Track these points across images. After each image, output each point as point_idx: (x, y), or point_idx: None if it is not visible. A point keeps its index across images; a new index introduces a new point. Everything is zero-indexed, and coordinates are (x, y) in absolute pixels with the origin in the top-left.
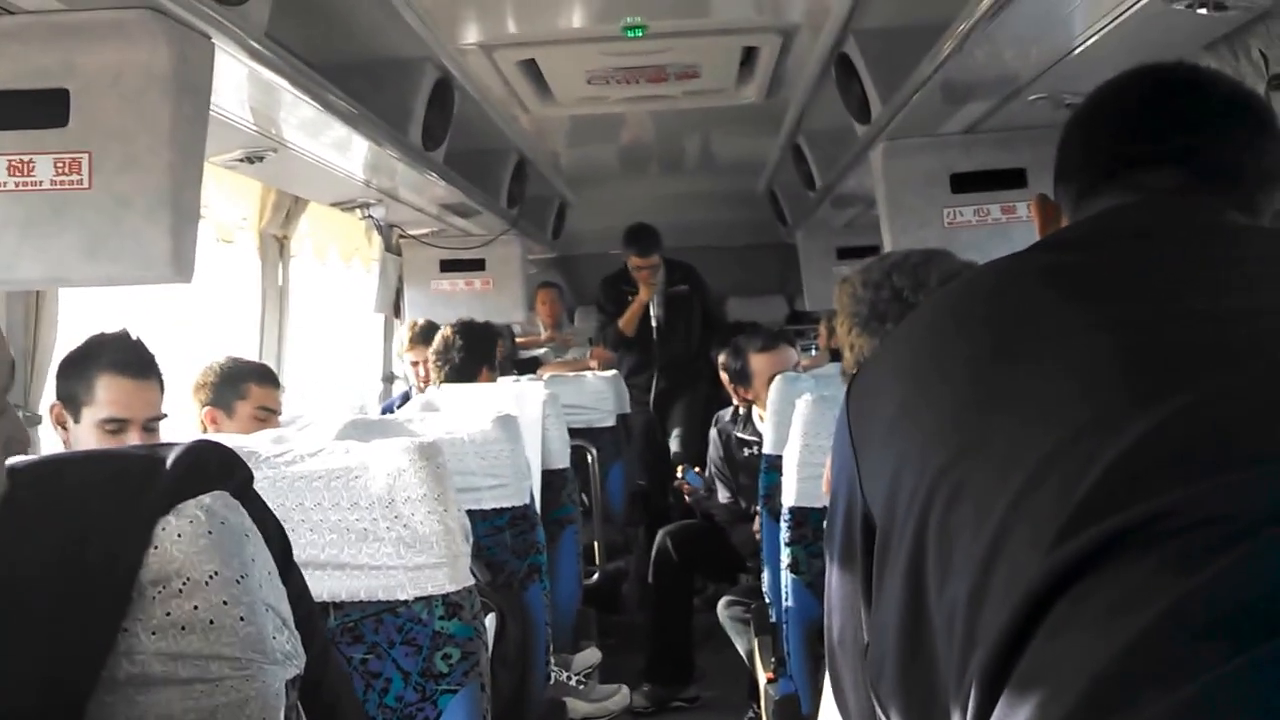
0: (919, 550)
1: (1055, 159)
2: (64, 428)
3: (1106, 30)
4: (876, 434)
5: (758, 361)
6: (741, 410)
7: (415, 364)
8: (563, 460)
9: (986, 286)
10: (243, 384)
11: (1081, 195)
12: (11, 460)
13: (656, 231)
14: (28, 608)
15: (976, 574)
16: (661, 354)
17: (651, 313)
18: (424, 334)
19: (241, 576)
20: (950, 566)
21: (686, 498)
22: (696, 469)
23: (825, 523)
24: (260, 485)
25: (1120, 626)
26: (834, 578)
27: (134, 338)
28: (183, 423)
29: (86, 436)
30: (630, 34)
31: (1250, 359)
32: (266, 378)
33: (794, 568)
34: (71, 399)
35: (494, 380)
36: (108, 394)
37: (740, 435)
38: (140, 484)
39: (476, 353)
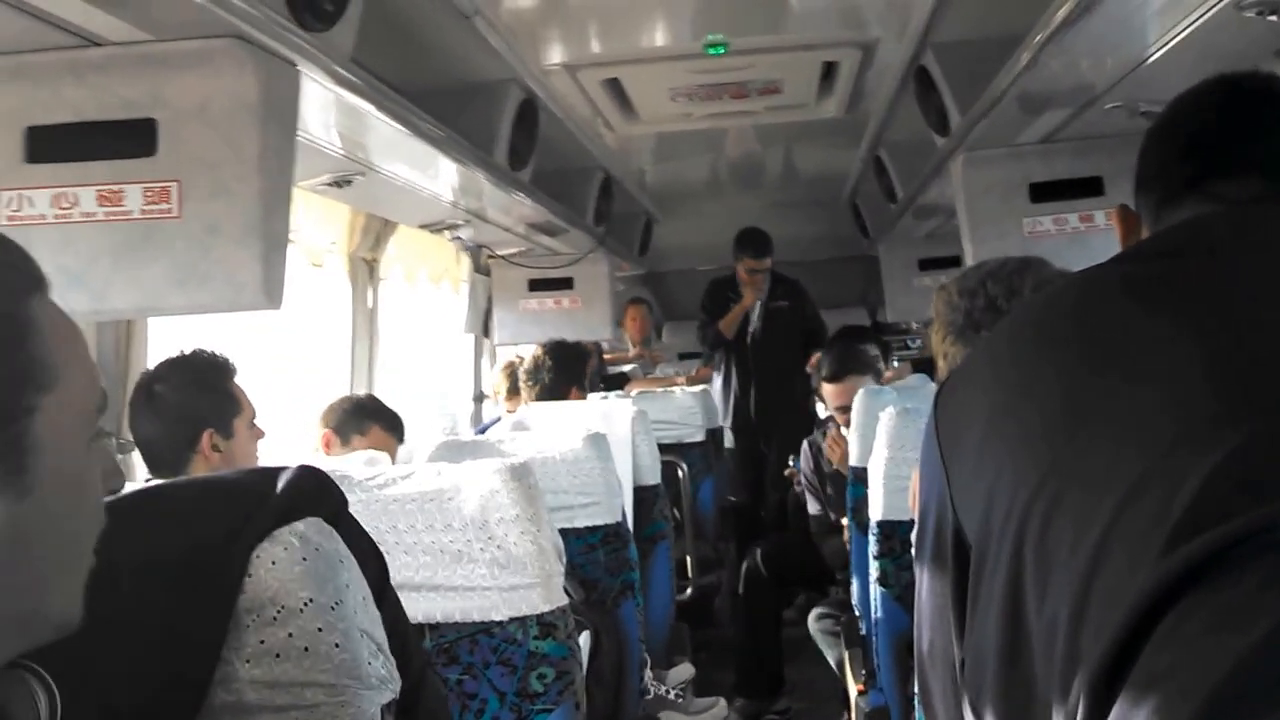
0: (1017, 568)
1: (1136, 169)
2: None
3: (1180, 38)
4: (967, 449)
5: (826, 391)
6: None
7: (511, 411)
8: (653, 476)
9: (1071, 298)
10: (369, 422)
11: (1162, 205)
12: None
13: (769, 236)
14: (139, 636)
15: (1077, 592)
16: (757, 364)
17: (751, 320)
18: (518, 385)
19: (337, 603)
20: (1049, 584)
21: (795, 486)
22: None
23: (914, 536)
24: (354, 509)
25: (1227, 644)
26: (924, 591)
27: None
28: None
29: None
30: (712, 51)
31: None
32: (394, 425)
33: (883, 581)
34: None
35: (583, 398)
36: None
37: (821, 444)
38: (237, 511)
39: (566, 372)
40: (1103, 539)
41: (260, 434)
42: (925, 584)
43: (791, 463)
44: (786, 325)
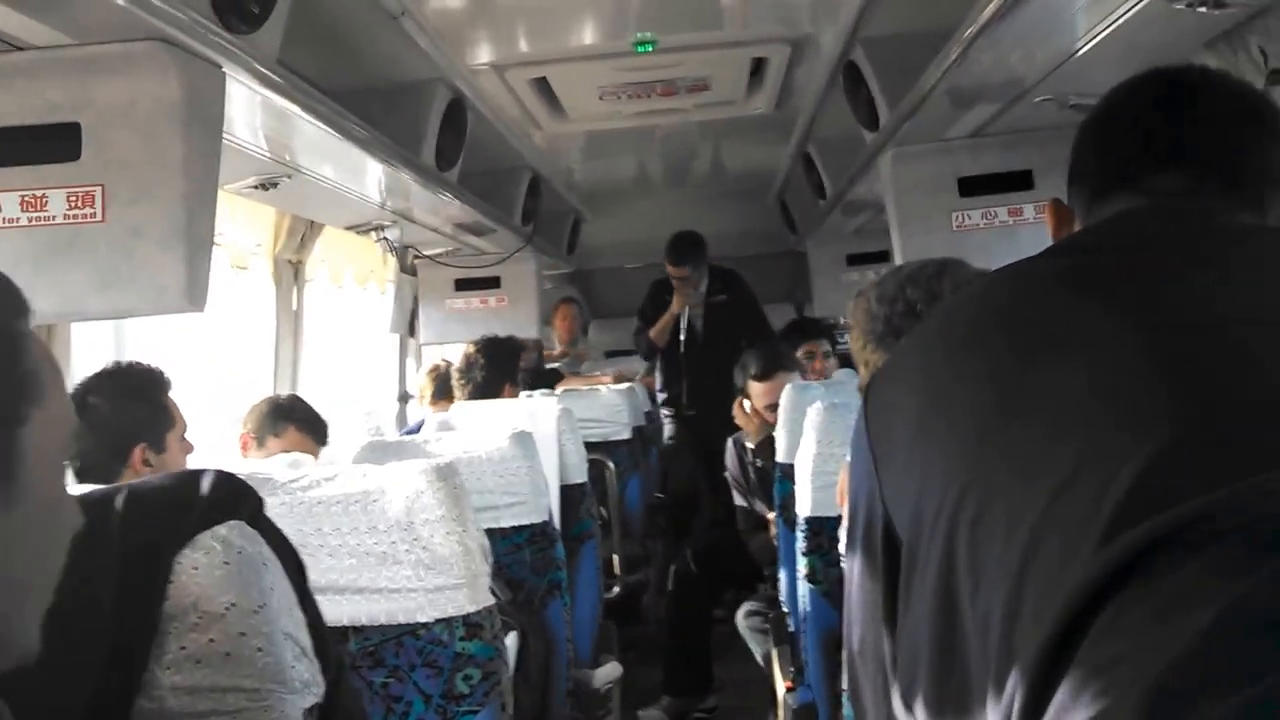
0: (949, 562)
1: (1069, 162)
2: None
3: (1109, 31)
4: (897, 446)
5: (754, 390)
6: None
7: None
8: (580, 475)
9: (1004, 293)
10: (284, 423)
11: (1094, 199)
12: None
13: (694, 239)
14: (72, 648)
15: (1010, 584)
16: (694, 366)
17: (682, 324)
18: (443, 389)
19: (260, 606)
20: (982, 577)
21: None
22: None
23: (843, 532)
24: (277, 511)
25: (1172, 632)
26: (854, 587)
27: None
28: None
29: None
30: (640, 49)
31: (1271, 364)
32: (313, 427)
33: (810, 577)
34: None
35: (516, 395)
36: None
37: (750, 446)
38: (159, 518)
39: (500, 369)
40: (1036, 530)
41: (190, 448)
42: (856, 580)
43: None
44: (728, 320)
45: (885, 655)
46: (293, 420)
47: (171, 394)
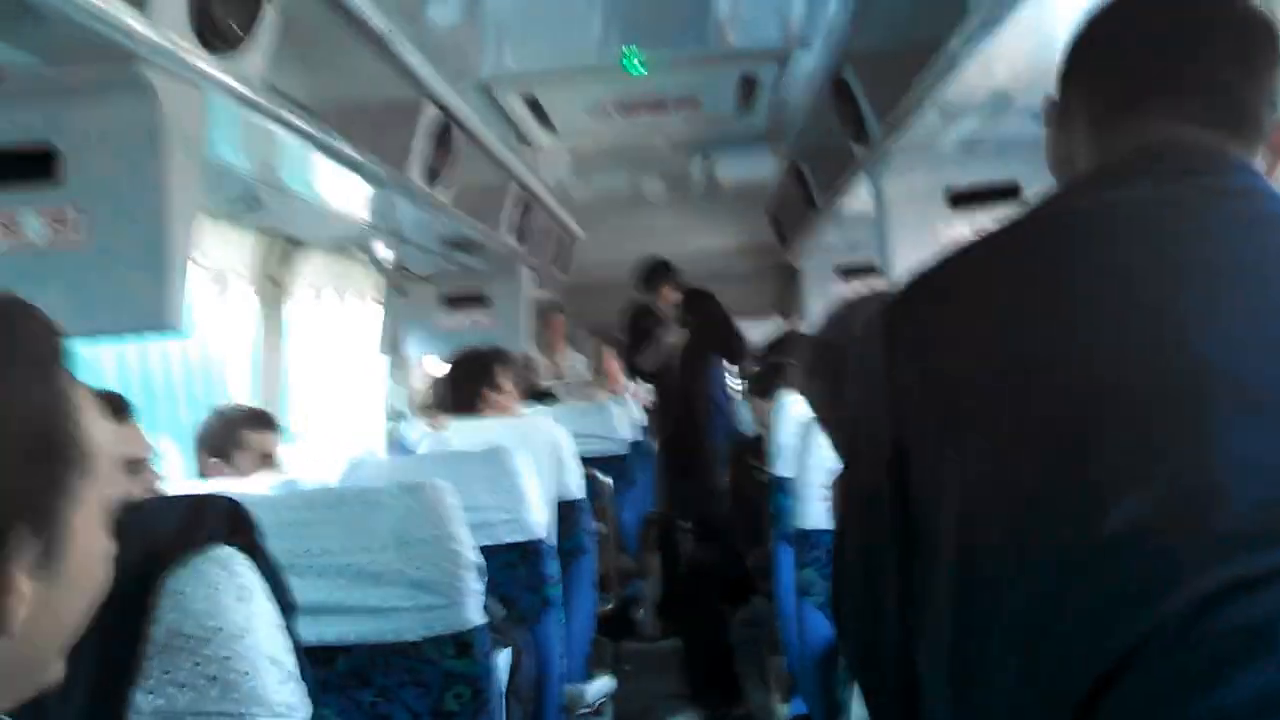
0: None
1: (1067, 61)
2: None
3: None
4: (931, 405)
5: (758, 406)
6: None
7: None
8: (578, 491)
9: (1016, 244)
10: (238, 431)
11: (1105, 118)
12: None
13: (659, 265)
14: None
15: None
16: (675, 391)
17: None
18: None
19: (245, 631)
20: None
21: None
22: None
23: (838, 457)
24: (266, 531)
25: None
26: (851, 509)
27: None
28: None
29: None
30: (630, 67)
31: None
32: (261, 422)
33: (805, 591)
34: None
35: (502, 400)
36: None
37: (752, 462)
38: (149, 541)
39: (473, 379)
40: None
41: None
42: (853, 502)
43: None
44: (700, 343)
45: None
46: (243, 425)
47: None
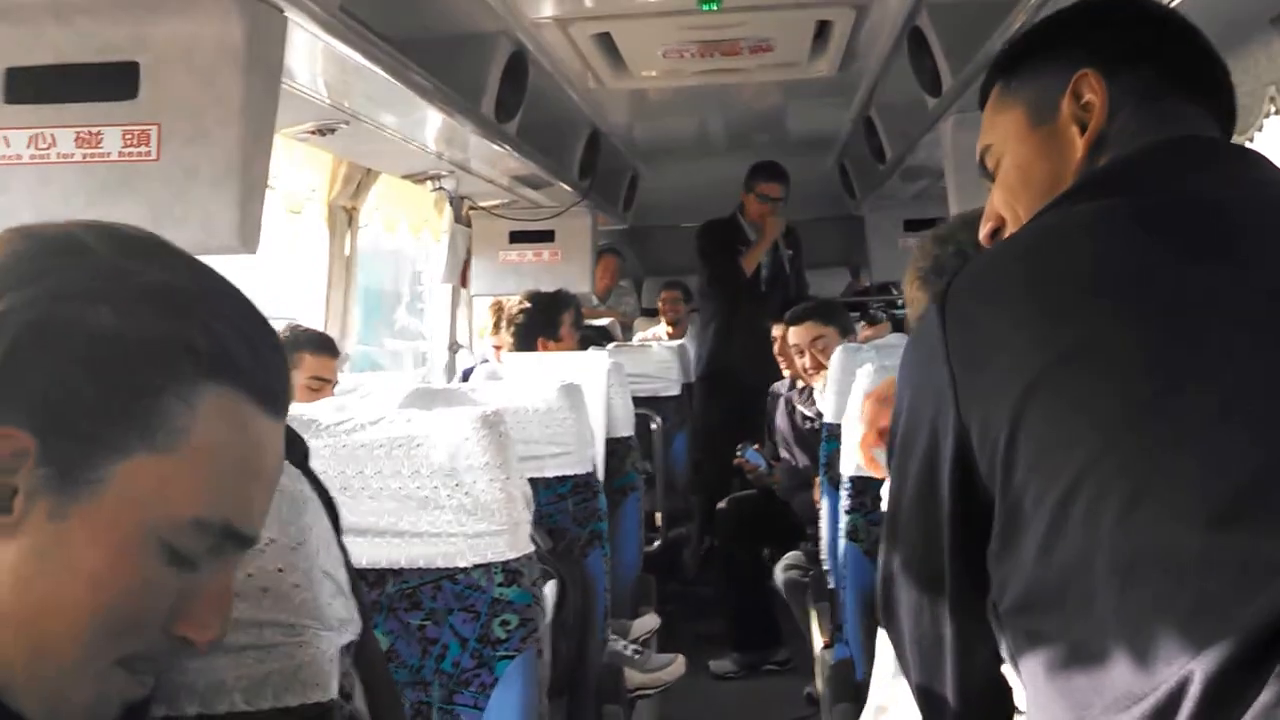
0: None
1: (1109, 39)
2: None
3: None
4: (990, 361)
5: (789, 332)
6: (800, 384)
7: (497, 348)
8: (627, 429)
9: (1080, 224)
10: (295, 353)
11: (1142, 105)
12: None
13: (758, 165)
14: None
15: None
16: (759, 312)
17: (765, 262)
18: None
19: (299, 543)
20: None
21: (748, 475)
22: (755, 445)
23: (890, 452)
24: (321, 453)
25: None
26: (903, 509)
27: None
28: None
29: None
30: (706, 7)
31: None
32: (322, 346)
33: (853, 535)
34: None
35: (567, 348)
36: None
37: (804, 410)
38: None
39: (540, 320)
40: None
41: None
42: (907, 501)
43: (740, 451)
44: (785, 277)
45: (936, 573)
46: (302, 348)
47: None
